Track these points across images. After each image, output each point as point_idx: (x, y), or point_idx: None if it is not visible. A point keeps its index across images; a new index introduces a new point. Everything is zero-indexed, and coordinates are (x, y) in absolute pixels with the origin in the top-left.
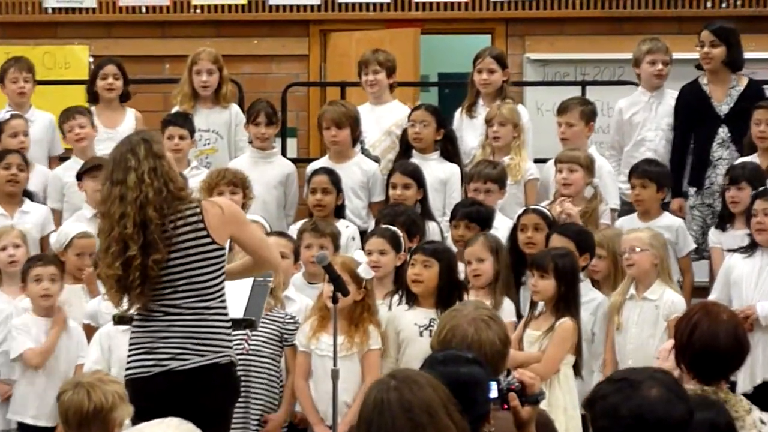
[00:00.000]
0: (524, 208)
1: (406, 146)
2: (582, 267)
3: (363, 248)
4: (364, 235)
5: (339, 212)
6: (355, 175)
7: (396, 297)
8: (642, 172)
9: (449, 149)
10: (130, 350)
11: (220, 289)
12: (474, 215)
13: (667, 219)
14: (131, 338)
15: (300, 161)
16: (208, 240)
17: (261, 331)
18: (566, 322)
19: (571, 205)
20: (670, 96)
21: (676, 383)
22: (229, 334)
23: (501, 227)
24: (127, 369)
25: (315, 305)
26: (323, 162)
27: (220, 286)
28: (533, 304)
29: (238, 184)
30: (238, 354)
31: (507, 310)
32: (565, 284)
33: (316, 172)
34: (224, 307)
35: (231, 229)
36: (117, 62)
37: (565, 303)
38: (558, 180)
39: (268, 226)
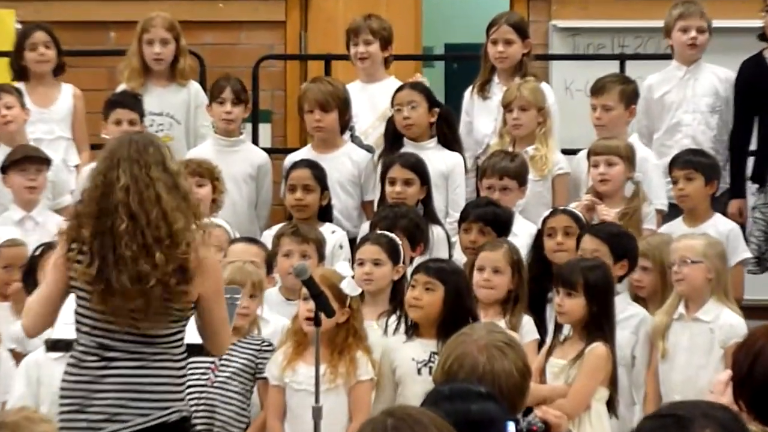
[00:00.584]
0: (552, 209)
1: (393, 136)
2: (619, 277)
3: (353, 258)
4: (355, 243)
5: (324, 214)
6: (343, 169)
7: (393, 318)
8: (686, 161)
9: (447, 133)
10: (60, 402)
11: (178, 339)
12: (490, 218)
13: (718, 222)
14: (61, 386)
15: (275, 151)
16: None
17: (232, 360)
18: (598, 347)
19: (607, 209)
20: (710, 71)
21: (735, 421)
22: (181, 383)
23: (521, 233)
24: (60, 428)
25: (289, 329)
26: (305, 153)
27: (182, 334)
28: (557, 328)
29: (205, 174)
30: (201, 387)
31: (527, 327)
32: (597, 303)
33: (295, 165)
34: (182, 356)
35: (203, 290)
36: (46, 28)
37: (597, 325)
38: (593, 176)
39: (231, 231)
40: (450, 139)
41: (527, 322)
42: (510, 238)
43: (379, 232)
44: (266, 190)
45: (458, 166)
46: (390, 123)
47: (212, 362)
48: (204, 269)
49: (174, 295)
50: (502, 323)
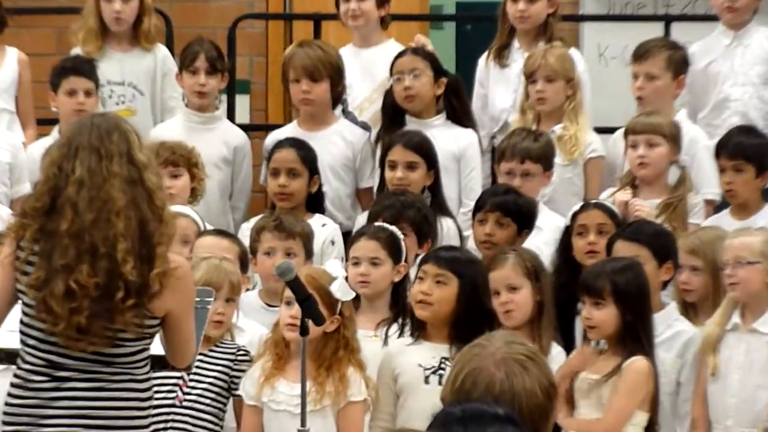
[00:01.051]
0: (583, 203)
1: (393, 110)
2: (663, 282)
3: (347, 256)
4: (349, 238)
5: (313, 203)
6: (335, 150)
7: (394, 327)
8: (735, 148)
9: (456, 108)
10: (2, 429)
11: (141, 359)
12: (510, 207)
13: None
14: (4, 411)
15: (255, 128)
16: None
17: (203, 374)
18: (639, 362)
19: (641, 203)
20: (763, 35)
21: None
22: (144, 407)
23: (546, 226)
24: None
25: (268, 339)
26: (289, 131)
27: (146, 352)
28: (585, 337)
29: (180, 161)
30: (168, 407)
31: (556, 359)
32: (632, 311)
33: (280, 145)
34: (146, 377)
35: (172, 307)
36: None
37: (634, 336)
38: (630, 158)
39: (201, 222)
40: (461, 114)
41: (557, 354)
42: (534, 234)
43: (377, 224)
44: (244, 175)
45: (472, 145)
46: (389, 95)
47: (180, 377)
48: (173, 282)
49: (118, 315)
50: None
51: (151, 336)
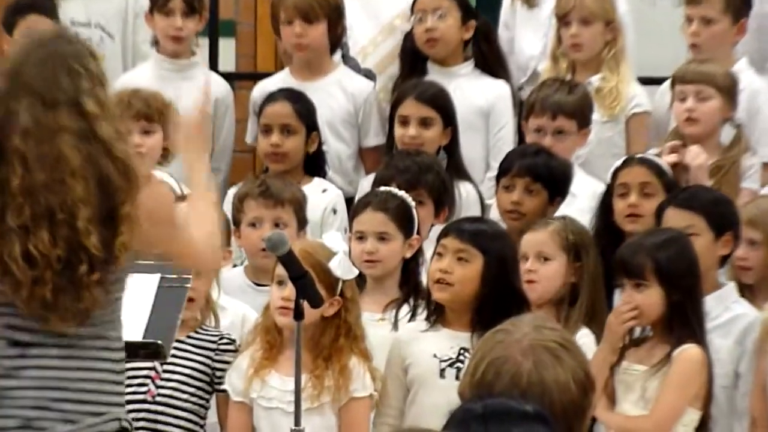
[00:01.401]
0: (625, 158)
1: (412, 57)
2: (721, 258)
3: (350, 227)
4: (351, 206)
5: (313, 165)
6: (334, 103)
7: (405, 309)
8: None
9: (487, 54)
10: None
11: (115, 309)
12: (540, 171)
13: None
14: None
15: (241, 77)
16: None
17: (179, 365)
18: (691, 350)
19: (698, 150)
20: None
21: None
22: (120, 381)
23: (582, 193)
24: None
25: (258, 324)
26: (280, 81)
27: (117, 304)
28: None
29: (154, 116)
30: (138, 402)
31: (583, 342)
32: (679, 290)
33: (272, 97)
34: (119, 337)
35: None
36: None
37: (683, 320)
38: (677, 112)
39: (177, 186)
40: (492, 62)
41: (584, 335)
42: (567, 201)
43: (384, 191)
44: (226, 132)
45: (503, 99)
46: (408, 39)
47: (152, 368)
48: (145, 226)
49: (84, 292)
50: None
51: (123, 288)
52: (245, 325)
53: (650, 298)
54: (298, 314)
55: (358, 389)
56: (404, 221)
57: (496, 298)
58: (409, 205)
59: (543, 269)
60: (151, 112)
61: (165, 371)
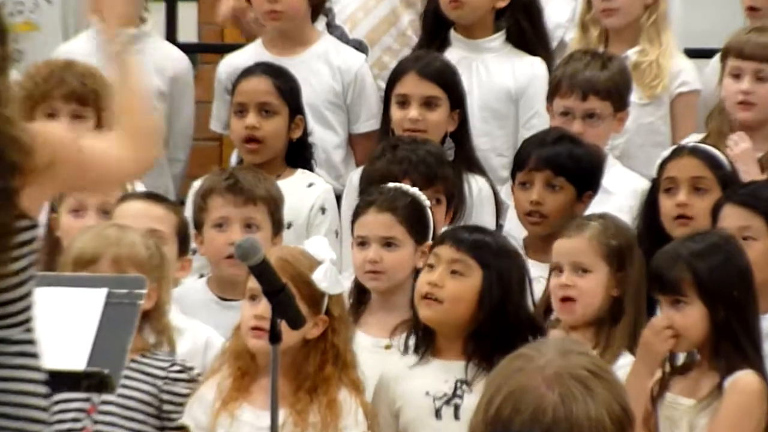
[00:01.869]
0: (674, 148)
1: (434, 22)
2: None
3: (352, 230)
4: (339, 203)
5: (296, 155)
6: (318, 81)
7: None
8: None
9: (526, 30)
10: None
11: (26, 307)
12: (564, 162)
13: None
14: None
15: (204, 50)
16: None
17: (120, 396)
18: (746, 378)
19: (741, 136)
20: None
21: None
22: (43, 395)
23: (619, 190)
24: None
25: (226, 349)
26: (251, 54)
27: (27, 300)
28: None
29: (89, 98)
30: None
31: (623, 370)
32: (727, 308)
33: (248, 71)
34: (33, 341)
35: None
36: None
37: (733, 343)
38: (728, 92)
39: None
40: (530, 39)
41: (625, 364)
42: (600, 199)
43: (392, 187)
44: (185, 115)
45: (537, 81)
46: (432, 1)
47: (87, 399)
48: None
49: None
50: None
51: (32, 254)
52: (209, 352)
53: (690, 318)
54: (275, 337)
55: (349, 427)
56: (415, 224)
57: (495, 324)
58: (422, 204)
59: (582, 283)
60: (86, 92)
61: (103, 403)
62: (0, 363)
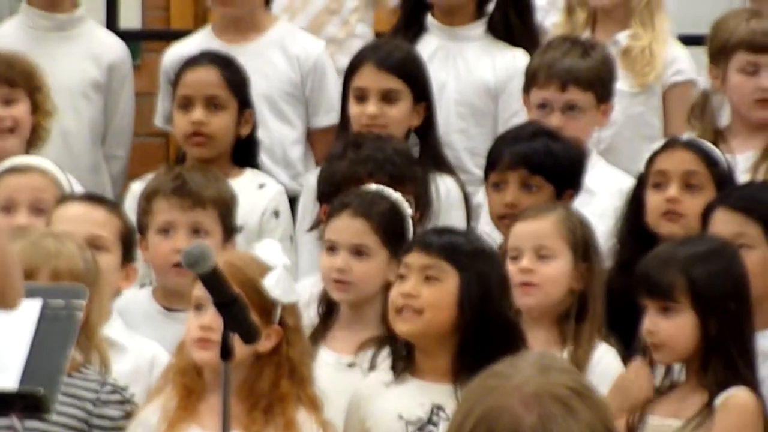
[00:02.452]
0: (667, 140)
1: (413, 8)
2: None
3: (324, 235)
4: (295, 205)
5: (245, 153)
6: (273, 71)
7: (387, 352)
8: None
9: (511, 21)
10: None
11: None
12: (540, 160)
13: None
14: None
15: (149, 37)
16: None
17: (46, 422)
18: (738, 396)
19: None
20: None
21: None
22: None
23: (603, 189)
24: None
25: (171, 365)
26: (200, 42)
27: None
28: (651, 361)
29: (17, 81)
30: None
31: (605, 361)
32: (720, 320)
33: (194, 61)
34: None
35: None
36: None
37: (726, 358)
38: (743, 90)
39: (66, 180)
40: (518, 34)
41: (605, 353)
42: (583, 200)
43: (371, 189)
44: (124, 107)
45: (519, 76)
46: None
47: (9, 427)
48: None
49: None
50: (559, 356)
51: None
52: (155, 371)
53: (680, 327)
54: (226, 352)
55: None
56: (391, 234)
57: (480, 331)
58: (402, 212)
59: (545, 270)
60: (13, 75)
61: (27, 429)
62: None
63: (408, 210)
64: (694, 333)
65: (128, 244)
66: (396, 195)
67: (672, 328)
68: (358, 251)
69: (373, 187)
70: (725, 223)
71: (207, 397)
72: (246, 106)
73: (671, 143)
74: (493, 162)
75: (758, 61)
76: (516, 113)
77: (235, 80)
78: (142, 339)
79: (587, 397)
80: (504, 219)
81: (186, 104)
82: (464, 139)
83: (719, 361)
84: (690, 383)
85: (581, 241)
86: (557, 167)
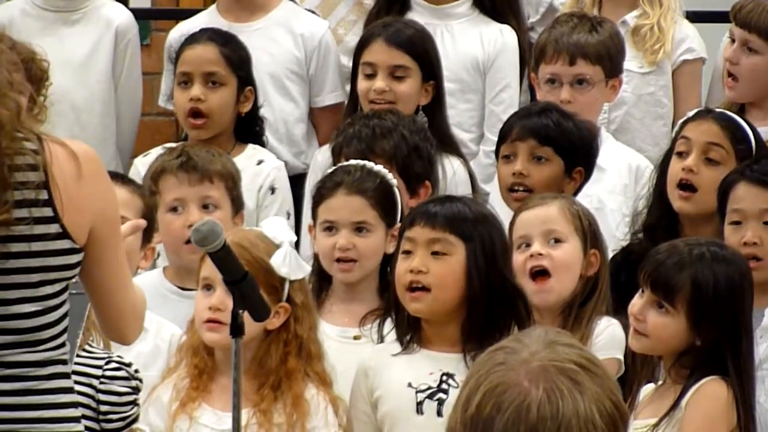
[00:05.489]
0: (697, 110)
1: None
2: None
3: (314, 216)
4: (301, 184)
5: (247, 130)
6: (277, 49)
7: (389, 322)
8: None
9: None
10: None
11: (62, 330)
12: (550, 131)
13: None
14: None
15: (158, 16)
16: (54, 227)
17: None
18: (711, 383)
19: None
20: None
21: None
22: (77, 418)
23: (613, 166)
24: None
25: (182, 345)
26: (206, 20)
27: (64, 323)
28: (642, 361)
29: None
30: None
31: (605, 335)
32: (711, 332)
33: (193, 39)
34: (65, 361)
35: (93, 216)
36: None
37: (713, 361)
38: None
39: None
40: (500, 7)
41: (609, 324)
42: (595, 176)
43: (359, 165)
44: (133, 85)
45: (507, 50)
46: None
47: None
48: (88, 170)
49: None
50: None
51: (71, 279)
52: (174, 351)
53: (670, 328)
54: (237, 329)
55: (319, 427)
56: (387, 206)
57: (489, 302)
58: (390, 184)
59: (557, 254)
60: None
61: None
62: (35, 387)
63: (393, 181)
64: (680, 337)
65: (149, 224)
66: (380, 168)
67: (661, 325)
68: (359, 228)
69: (357, 163)
70: (750, 200)
71: (217, 376)
72: (247, 83)
73: (702, 113)
74: (504, 135)
75: (735, 32)
76: (505, 87)
77: (235, 57)
78: (161, 320)
79: (593, 371)
80: (512, 189)
81: (185, 81)
82: (453, 114)
83: (703, 361)
84: (671, 380)
85: (588, 228)
86: (567, 141)
